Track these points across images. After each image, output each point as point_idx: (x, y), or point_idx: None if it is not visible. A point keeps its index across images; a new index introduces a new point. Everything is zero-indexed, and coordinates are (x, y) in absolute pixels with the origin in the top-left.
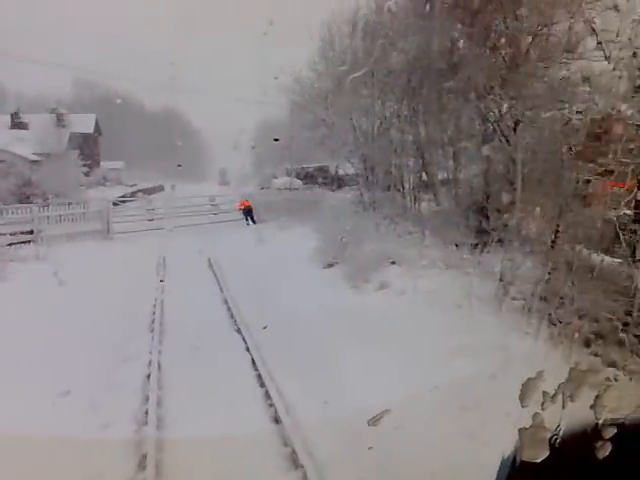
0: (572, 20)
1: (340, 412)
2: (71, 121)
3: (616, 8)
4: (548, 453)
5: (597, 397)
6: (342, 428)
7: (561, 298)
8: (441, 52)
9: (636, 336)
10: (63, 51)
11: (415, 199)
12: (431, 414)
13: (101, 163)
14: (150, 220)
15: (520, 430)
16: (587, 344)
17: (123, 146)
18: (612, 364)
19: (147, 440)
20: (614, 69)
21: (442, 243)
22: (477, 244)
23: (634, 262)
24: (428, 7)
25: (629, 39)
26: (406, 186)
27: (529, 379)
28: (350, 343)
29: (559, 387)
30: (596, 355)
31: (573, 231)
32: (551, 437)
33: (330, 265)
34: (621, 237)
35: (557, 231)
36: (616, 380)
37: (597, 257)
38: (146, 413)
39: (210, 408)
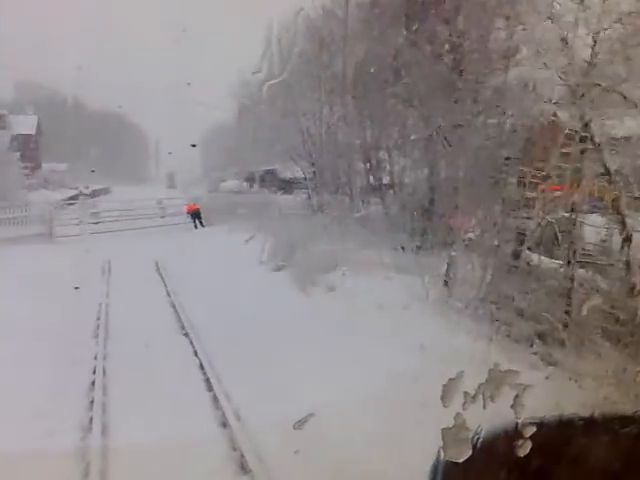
0: (511, 28)
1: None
2: (12, 122)
3: (552, 18)
4: (470, 452)
5: (516, 397)
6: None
7: (503, 299)
8: (386, 58)
9: (576, 336)
10: (3, 52)
11: (363, 202)
12: (374, 414)
13: (43, 165)
14: (95, 223)
15: (443, 430)
16: (529, 344)
17: (67, 148)
18: (553, 363)
19: (91, 448)
20: (552, 76)
21: (389, 246)
22: (422, 246)
23: (572, 263)
24: (374, 14)
25: (566, 47)
26: (354, 189)
27: (450, 380)
28: (298, 345)
29: (479, 387)
30: (537, 354)
31: (514, 233)
32: (473, 436)
33: (279, 268)
34: (560, 239)
35: (499, 233)
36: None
37: (537, 259)
38: (91, 420)
39: (157, 413)
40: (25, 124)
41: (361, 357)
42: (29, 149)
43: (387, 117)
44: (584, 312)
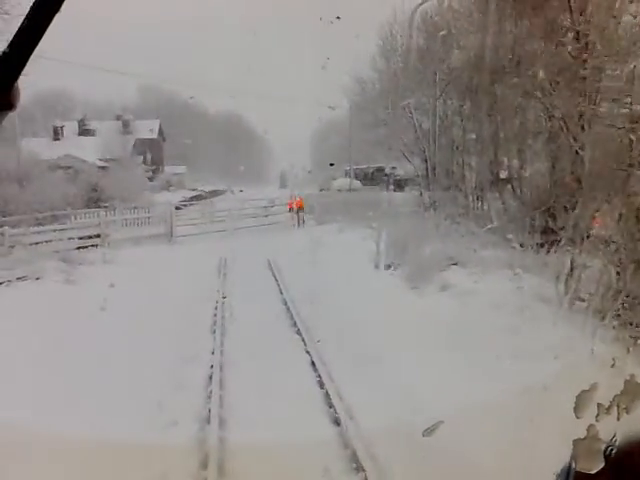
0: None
1: (399, 416)
2: (136, 127)
3: None
4: (603, 464)
5: None
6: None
7: (632, 298)
8: (504, 48)
9: None
10: (128, 57)
11: (477, 198)
12: (491, 421)
13: (165, 168)
14: (211, 223)
15: (575, 441)
16: None
17: (187, 151)
18: None
19: (209, 439)
20: None
21: (506, 243)
22: (543, 244)
23: None
24: (490, 3)
25: None
26: (468, 185)
27: (583, 391)
28: (410, 345)
29: (614, 399)
30: None
31: None
32: (606, 448)
33: (390, 266)
34: None
35: (627, 230)
36: None
37: None
38: (209, 412)
39: (271, 408)
40: (148, 128)
41: (481, 360)
42: (152, 152)
43: (505, 109)
44: None
